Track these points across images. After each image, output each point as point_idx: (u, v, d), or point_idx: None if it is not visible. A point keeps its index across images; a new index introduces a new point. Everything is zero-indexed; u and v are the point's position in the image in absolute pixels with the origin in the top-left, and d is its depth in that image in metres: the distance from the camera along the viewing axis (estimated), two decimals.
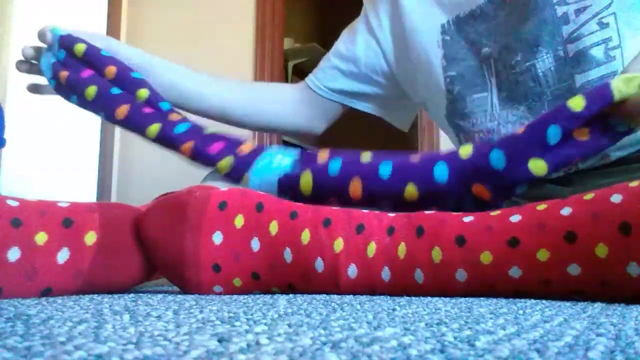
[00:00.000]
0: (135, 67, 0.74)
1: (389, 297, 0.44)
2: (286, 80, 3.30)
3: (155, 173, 2.39)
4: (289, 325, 0.25)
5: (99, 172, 2.49)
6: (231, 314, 0.30)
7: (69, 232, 0.43)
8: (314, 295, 0.45)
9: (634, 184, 0.40)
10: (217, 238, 0.46)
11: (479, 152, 0.51)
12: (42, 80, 0.72)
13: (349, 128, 3.92)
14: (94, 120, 2.36)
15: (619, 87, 0.46)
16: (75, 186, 2.38)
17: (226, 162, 0.57)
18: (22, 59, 0.72)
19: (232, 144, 0.60)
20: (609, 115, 0.48)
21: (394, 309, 0.34)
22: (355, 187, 0.53)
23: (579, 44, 0.66)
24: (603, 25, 0.65)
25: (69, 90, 0.66)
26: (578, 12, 0.66)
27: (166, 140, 0.60)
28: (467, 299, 0.42)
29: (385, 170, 0.53)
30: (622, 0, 0.65)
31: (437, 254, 0.43)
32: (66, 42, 0.67)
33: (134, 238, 0.47)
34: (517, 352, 0.19)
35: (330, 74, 0.88)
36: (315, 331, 0.23)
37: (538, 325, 0.27)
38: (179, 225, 0.46)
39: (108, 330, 0.23)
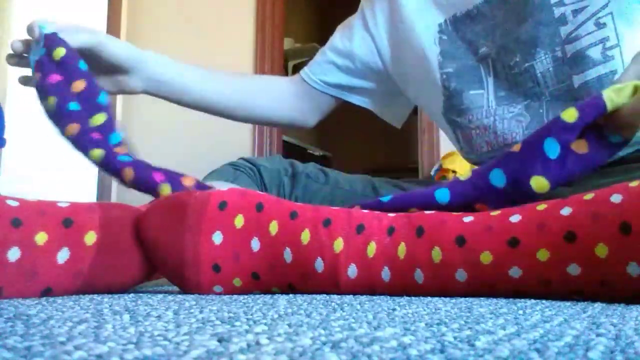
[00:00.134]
0: (123, 61, 0.73)
1: (389, 297, 0.44)
2: None
3: None
4: (289, 325, 0.25)
5: (98, 172, 2.49)
6: (231, 314, 0.30)
7: (69, 232, 0.43)
8: (314, 295, 0.45)
9: (634, 184, 0.40)
10: (217, 238, 0.46)
11: (478, 172, 0.52)
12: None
13: (350, 130, 3.92)
14: None
15: (611, 97, 0.46)
16: (75, 186, 2.38)
17: (167, 188, 0.57)
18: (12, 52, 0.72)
19: (174, 175, 0.60)
20: (603, 127, 0.48)
21: (394, 309, 0.34)
22: None
23: (577, 45, 0.66)
24: (600, 26, 0.65)
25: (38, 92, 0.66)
26: (575, 12, 0.66)
27: (109, 164, 0.59)
28: (467, 299, 0.42)
29: (386, 198, 0.53)
30: None
31: (437, 254, 0.43)
32: (49, 42, 0.66)
33: (134, 238, 0.47)
34: (517, 352, 0.19)
35: (326, 68, 0.89)
36: (315, 331, 0.23)
37: (538, 325, 0.27)
38: (179, 225, 0.46)
39: (108, 330, 0.23)
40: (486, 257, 0.42)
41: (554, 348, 0.20)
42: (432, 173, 2.17)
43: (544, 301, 0.41)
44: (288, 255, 0.46)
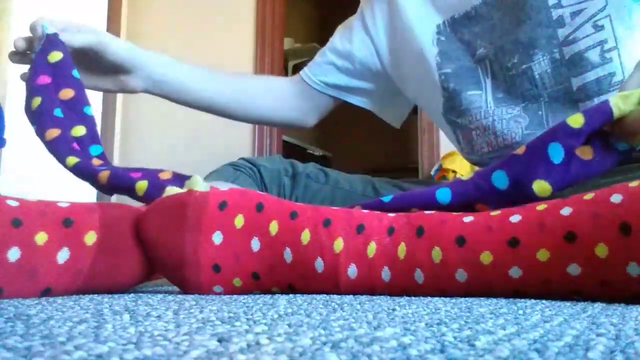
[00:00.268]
0: (124, 60, 0.73)
1: (389, 297, 0.44)
2: None
3: None
4: (289, 325, 0.25)
5: None
6: (231, 314, 0.30)
7: (69, 232, 0.43)
8: (314, 295, 0.45)
9: (634, 184, 0.40)
10: (217, 238, 0.46)
11: (480, 173, 0.52)
12: None
13: (350, 130, 3.92)
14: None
15: (618, 104, 0.46)
16: (75, 186, 2.38)
17: (143, 183, 0.57)
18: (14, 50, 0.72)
19: (151, 171, 0.60)
20: (609, 134, 0.48)
21: (394, 309, 0.34)
22: None
23: (575, 47, 0.66)
24: (598, 28, 0.66)
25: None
26: (573, 15, 0.66)
27: (82, 170, 0.59)
28: (467, 299, 0.42)
29: (387, 198, 0.53)
30: (616, 1, 0.65)
31: (437, 254, 0.43)
32: (48, 43, 0.66)
33: (134, 238, 0.47)
34: (517, 352, 0.19)
35: (326, 68, 0.89)
36: (315, 331, 0.23)
37: (538, 325, 0.27)
38: (179, 226, 0.46)
39: (108, 330, 0.23)
40: (486, 257, 0.42)
41: (554, 348, 0.20)
42: (432, 173, 2.17)
43: (544, 301, 0.41)
44: (288, 255, 0.46)
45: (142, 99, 2.08)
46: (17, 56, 0.72)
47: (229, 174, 0.75)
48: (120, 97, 2.67)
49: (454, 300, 0.41)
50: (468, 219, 0.45)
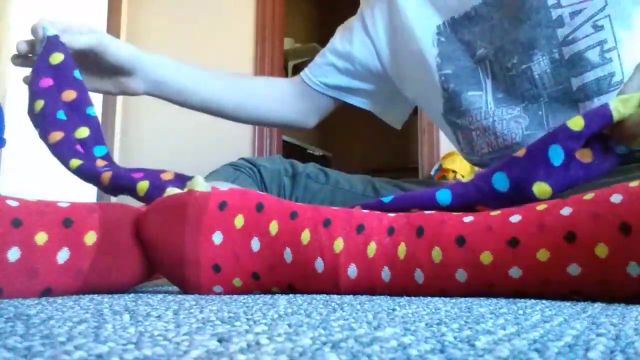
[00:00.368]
0: (125, 62, 0.73)
1: (389, 297, 0.44)
2: None
3: None
4: (289, 325, 0.25)
5: None
6: (231, 314, 0.30)
7: (69, 232, 0.43)
8: (314, 295, 0.45)
9: (634, 184, 0.40)
10: (217, 238, 0.46)
11: (480, 175, 0.52)
12: None
13: (350, 130, 3.92)
14: None
15: (618, 108, 0.46)
16: (76, 186, 2.38)
17: (144, 184, 0.57)
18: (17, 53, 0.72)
19: (153, 172, 0.60)
20: (609, 137, 0.48)
21: (394, 309, 0.34)
22: None
23: (574, 47, 0.67)
24: (598, 28, 0.66)
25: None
26: (573, 15, 0.66)
27: (86, 171, 0.60)
28: (467, 299, 0.42)
29: (387, 198, 0.53)
30: (615, 1, 0.65)
31: (437, 254, 0.43)
32: (49, 45, 0.66)
33: (134, 238, 0.47)
34: (517, 352, 0.19)
35: (326, 69, 0.89)
36: (315, 331, 0.23)
37: (538, 325, 0.27)
38: (179, 226, 0.46)
39: (108, 330, 0.23)
40: (486, 257, 0.42)
41: (554, 348, 0.20)
42: (432, 173, 2.17)
43: (544, 301, 0.41)
44: (288, 255, 0.46)
45: (142, 99, 2.09)
46: (19, 59, 0.72)
47: (228, 174, 0.75)
48: (120, 97, 2.67)
49: (454, 300, 0.41)
50: (468, 219, 0.45)
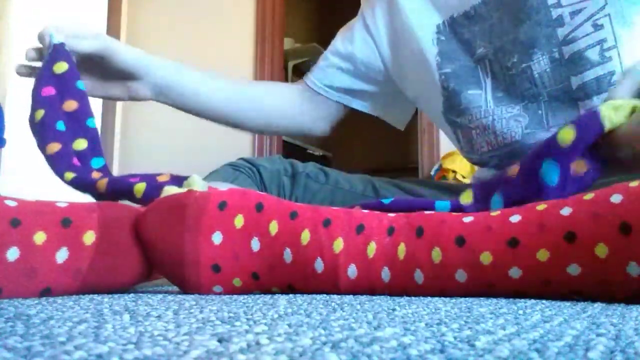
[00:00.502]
0: (131, 66, 0.73)
1: (389, 297, 0.44)
2: (286, 80, 3.30)
3: None
4: (289, 325, 0.25)
5: None
6: (231, 314, 0.30)
7: (68, 231, 0.43)
8: (314, 295, 0.45)
9: (634, 184, 0.40)
10: (217, 238, 0.46)
11: (477, 198, 0.52)
12: None
13: (350, 130, 3.92)
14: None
15: (610, 117, 0.46)
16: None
17: (141, 185, 0.57)
18: (25, 62, 0.72)
19: (149, 175, 0.60)
20: (600, 146, 0.48)
21: (394, 309, 0.34)
22: None
23: (574, 46, 0.67)
24: (598, 27, 0.66)
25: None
26: (573, 14, 0.67)
27: (80, 183, 0.60)
28: (467, 299, 0.42)
29: (387, 200, 0.54)
30: (615, 0, 0.65)
31: (437, 255, 0.43)
32: (55, 53, 0.66)
33: (133, 238, 0.47)
34: (517, 352, 0.19)
35: (329, 72, 0.89)
36: (315, 331, 0.23)
37: (538, 325, 0.27)
38: (178, 226, 0.46)
39: (108, 330, 0.23)
40: (486, 258, 0.42)
41: (554, 348, 0.20)
42: (432, 173, 2.17)
43: (544, 301, 0.41)
44: (288, 255, 0.46)
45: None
46: (26, 69, 0.72)
47: (228, 174, 0.75)
48: None
49: (454, 300, 0.41)
50: (468, 219, 0.45)
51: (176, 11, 2.73)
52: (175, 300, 0.39)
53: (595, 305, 0.38)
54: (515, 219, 0.43)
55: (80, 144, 0.64)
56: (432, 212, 0.47)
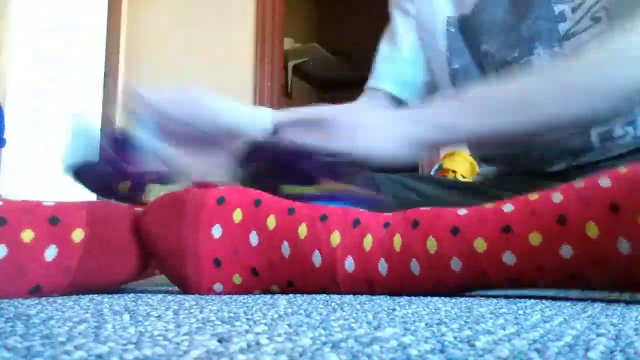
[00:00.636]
0: (222, 131, 0.67)
1: (389, 297, 0.44)
2: (286, 80, 3.30)
3: None
4: (289, 325, 0.25)
5: None
6: (231, 314, 0.30)
7: (56, 229, 0.43)
8: (314, 295, 0.45)
9: (622, 170, 0.41)
10: (216, 231, 0.46)
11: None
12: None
13: None
14: (93, 120, 2.36)
15: None
16: (76, 187, 2.38)
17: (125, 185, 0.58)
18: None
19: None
20: None
21: (394, 309, 0.34)
22: None
23: (575, 41, 0.67)
24: (596, 20, 0.66)
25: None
26: (574, 9, 0.67)
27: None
28: (467, 299, 0.42)
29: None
30: None
31: (432, 245, 0.44)
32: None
33: (124, 235, 0.47)
34: (517, 352, 0.19)
35: (388, 68, 0.84)
36: (315, 331, 0.23)
37: (538, 325, 0.27)
38: (178, 221, 0.46)
39: (108, 330, 0.23)
40: (480, 244, 0.43)
41: (554, 348, 0.20)
42: (432, 173, 2.17)
43: (544, 301, 0.41)
44: (286, 249, 0.46)
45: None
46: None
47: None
48: (119, 96, 2.66)
49: (454, 300, 0.41)
50: (462, 211, 0.45)
51: (176, 11, 2.73)
52: (175, 300, 0.40)
53: (595, 305, 0.38)
54: (508, 208, 0.44)
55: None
56: (428, 207, 0.48)
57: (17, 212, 0.42)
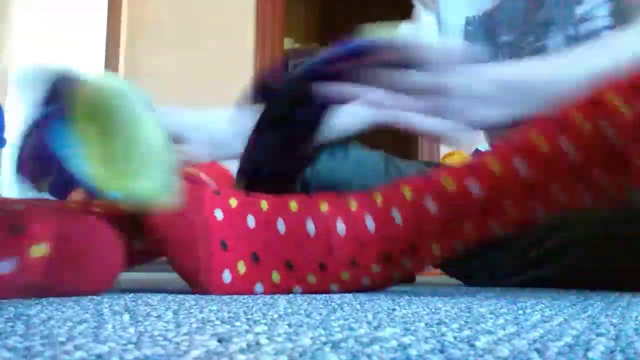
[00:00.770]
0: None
1: (389, 297, 0.44)
2: None
3: None
4: (289, 325, 0.25)
5: None
6: (231, 314, 0.30)
7: (16, 239, 0.38)
8: (314, 295, 0.45)
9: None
10: (219, 214, 0.49)
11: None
12: None
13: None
14: None
15: None
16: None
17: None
18: None
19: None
20: None
21: (394, 309, 0.34)
22: None
23: (590, 25, 0.67)
24: (611, 2, 0.66)
25: None
26: None
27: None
28: (467, 298, 0.43)
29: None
30: None
31: (407, 192, 0.48)
32: None
33: (91, 248, 0.43)
34: (517, 352, 0.19)
35: None
36: (315, 331, 0.23)
37: (538, 325, 0.27)
38: (184, 210, 0.48)
39: (108, 330, 0.23)
40: (449, 183, 0.46)
41: (554, 348, 0.20)
42: None
43: (543, 301, 0.41)
44: (281, 225, 0.49)
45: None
46: None
47: None
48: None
49: (454, 300, 0.41)
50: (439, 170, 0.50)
51: (176, 11, 2.73)
52: (175, 300, 0.40)
53: (595, 305, 0.38)
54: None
55: None
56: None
57: None
